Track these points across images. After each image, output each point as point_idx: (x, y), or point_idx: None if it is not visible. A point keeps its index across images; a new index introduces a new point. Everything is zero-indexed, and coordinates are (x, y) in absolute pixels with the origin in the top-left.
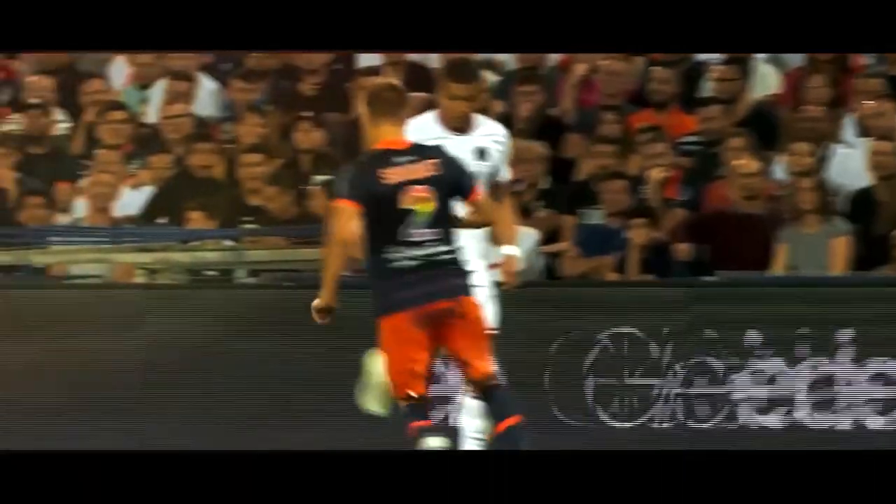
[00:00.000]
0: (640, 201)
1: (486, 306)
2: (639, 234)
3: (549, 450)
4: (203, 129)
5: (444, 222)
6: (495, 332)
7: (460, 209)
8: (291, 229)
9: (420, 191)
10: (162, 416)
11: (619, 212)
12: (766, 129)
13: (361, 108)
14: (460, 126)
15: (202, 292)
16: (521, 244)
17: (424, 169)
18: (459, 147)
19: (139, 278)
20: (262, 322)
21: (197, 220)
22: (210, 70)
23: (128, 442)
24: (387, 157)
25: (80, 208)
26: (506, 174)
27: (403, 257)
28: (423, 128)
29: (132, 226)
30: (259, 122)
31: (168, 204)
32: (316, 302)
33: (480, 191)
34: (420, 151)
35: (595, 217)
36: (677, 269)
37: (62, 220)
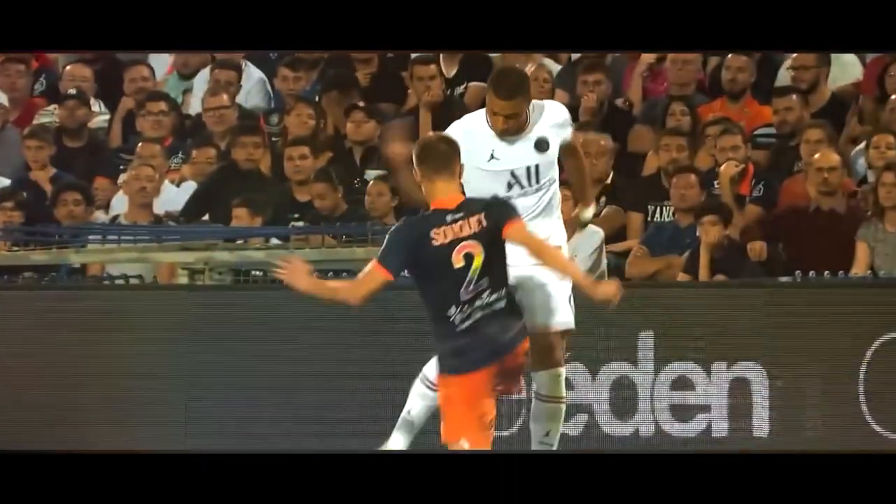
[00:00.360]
0: (712, 197)
1: (564, 306)
2: (710, 233)
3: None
4: (248, 121)
5: (493, 268)
6: (572, 330)
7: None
8: (342, 227)
9: (469, 246)
10: (208, 420)
11: (688, 208)
12: (846, 120)
13: (417, 161)
14: (505, 133)
15: (247, 293)
16: (587, 243)
17: (471, 225)
18: (515, 150)
19: (181, 279)
20: (311, 325)
21: (242, 217)
22: (256, 58)
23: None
24: (438, 217)
25: (119, 205)
26: (569, 134)
27: (466, 316)
28: (474, 130)
29: (174, 223)
30: (308, 114)
31: (211, 200)
32: (298, 281)
33: (515, 225)
34: (469, 207)
35: (664, 214)
36: (751, 269)
37: (100, 217)
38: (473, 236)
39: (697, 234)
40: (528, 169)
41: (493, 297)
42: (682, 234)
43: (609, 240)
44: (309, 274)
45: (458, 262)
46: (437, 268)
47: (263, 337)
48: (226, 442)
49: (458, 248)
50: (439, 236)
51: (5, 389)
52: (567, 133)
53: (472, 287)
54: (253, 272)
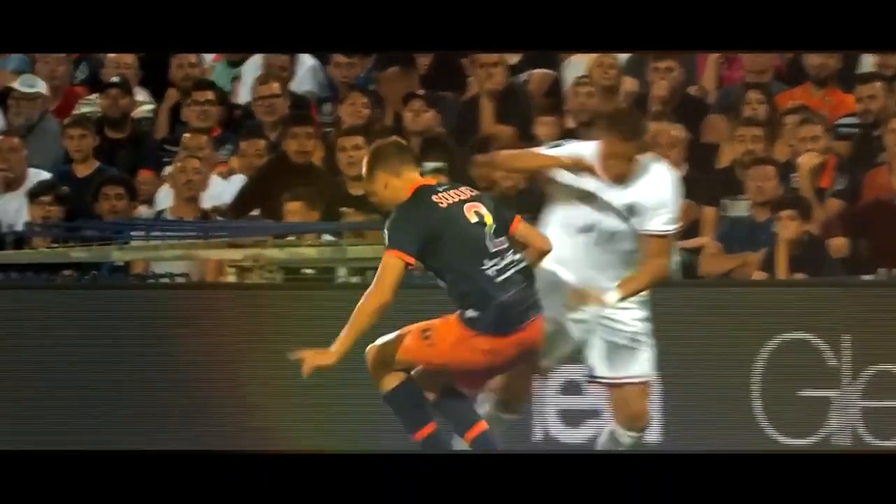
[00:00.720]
0: (790, 191)
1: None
2: (788, 228)
3: None
4: (301, 111)
5: (506, 234)
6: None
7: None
8: None
9: (476, 206)
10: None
11: (766, 202)
12: None
13: (371, 169)
14: (618, 180)
15: (298, 292)
16: None
17: (464, 192)
18: (610, 200)
19: (230, 277)
20: None
21: (294, 212)
22: None
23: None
24: (428, 189)
25: (165, 199)
26: (667, 224)
27: (501, 269)
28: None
29: (222, 219)
30: (363, 102)
31: (262, 194)
32: (322, 358)
33: (519, 222)
34: (449, 182)
35: (739, 208)
36: (831, 266)
37: (144, 212)
38: (475, 199)
39: (774, 229)
40: (606, 232)
41: (517, 255)
42: (759, 229)
43: (681, 235)
44: (321, 352)
45: (471, 217)
46: (455, 226)
47: (314, 336)
48: (275, 442)
49: (466, 206)
50: (443, 200)
51: (45, 389)
52: (658, 217)
53: (495, 240)
54: (303, 270)
